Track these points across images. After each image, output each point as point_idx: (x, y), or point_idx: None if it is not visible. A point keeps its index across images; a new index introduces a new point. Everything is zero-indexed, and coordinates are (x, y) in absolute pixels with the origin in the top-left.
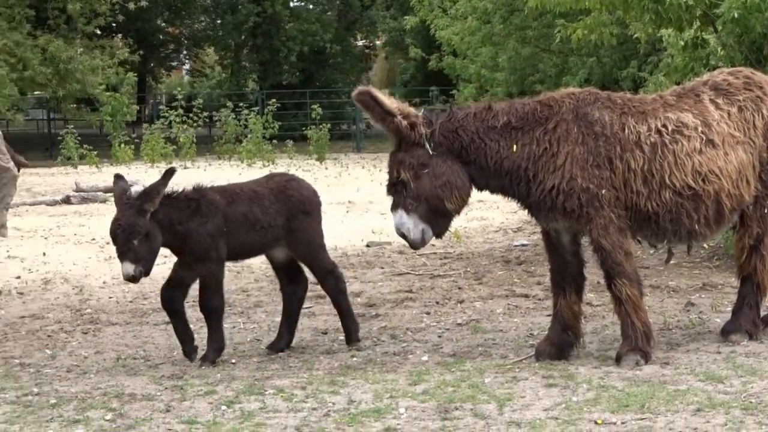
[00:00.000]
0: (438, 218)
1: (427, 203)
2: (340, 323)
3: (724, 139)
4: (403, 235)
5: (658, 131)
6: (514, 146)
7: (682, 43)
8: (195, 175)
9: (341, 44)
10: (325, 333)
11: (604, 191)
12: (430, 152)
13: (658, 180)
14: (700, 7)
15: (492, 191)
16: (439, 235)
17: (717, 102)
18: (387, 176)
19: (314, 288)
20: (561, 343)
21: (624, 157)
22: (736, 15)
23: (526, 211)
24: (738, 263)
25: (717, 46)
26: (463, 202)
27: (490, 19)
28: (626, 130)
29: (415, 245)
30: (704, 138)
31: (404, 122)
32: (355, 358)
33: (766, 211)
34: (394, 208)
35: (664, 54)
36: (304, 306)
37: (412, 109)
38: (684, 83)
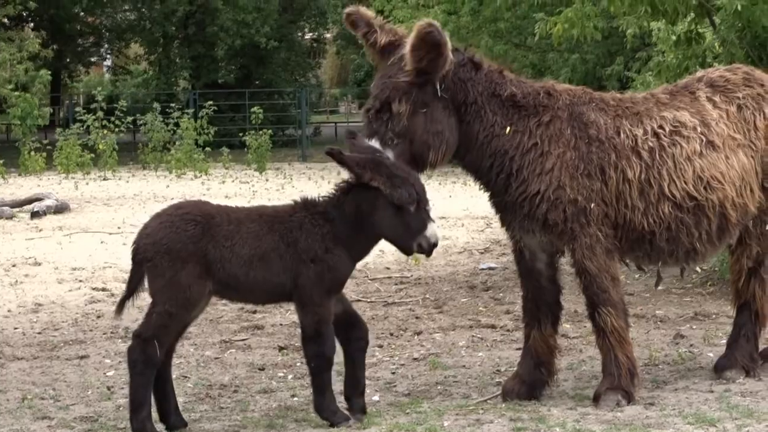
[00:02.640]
0: (415, 167)
1: (410, 145)
2: (279, 358)
3: (725, 140)
4: None
5: (655, 134)
6: (508, 128)
7: (674, 38)
8: (116, 187)
9: (285, 38)
10: (262, 369)
11: (593, 205)
12: (439, 93)
13: (657, 191)
14: None
15: (465, 167)
16: None
17: (714, 100)
18: (374, 99)
19: (250, 317)
20: (532, 380)
21: (619, 166)
22: (739, 6)
23: (496, 212)
24: (734, 289)
25: (715, 41)
26: (444, 159)
27: (458, 10)
28: (621, 135)
29: None
30: (704, 139)
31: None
32: (296, 398)
33: (767, 227)
34: (370, 136)
35: (653, 50)
36: (239, 338)
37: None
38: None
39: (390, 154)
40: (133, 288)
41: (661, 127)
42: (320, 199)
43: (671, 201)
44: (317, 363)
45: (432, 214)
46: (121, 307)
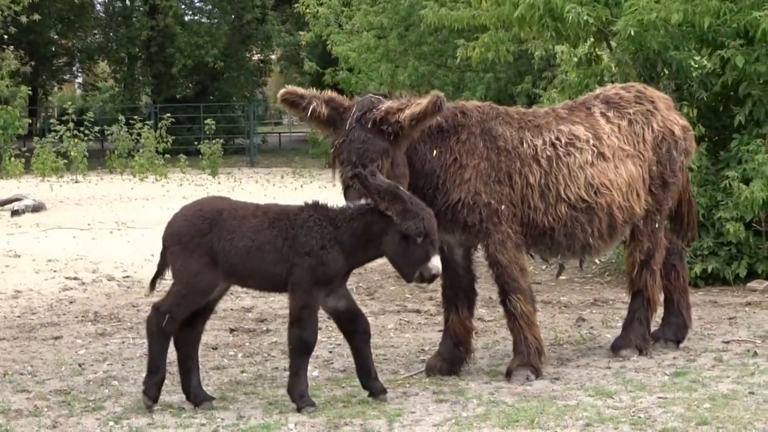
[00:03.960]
0: None
1: None
2: (230, 339)
3: (615, 152)
4: None
5: (553, 144)
6: (434, 150)
7: (576, 59)
8: (86, 189)
9: (235, 58)
10: (215, 348)
11: (503, 207)
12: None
13: (554, 194)
14: (596, 24)
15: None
16: None
17: (608, 115)
18: (359, 162)
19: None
20: (452, 358)
21: (523, 172)
22: (632, 32)
23: None
24: (629, 278)
25: (611, 62)
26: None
27: (387, 35)
28: (524, 145)
29: None
30: (596, 150)
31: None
32: (245, 374)
33: (657, 225)
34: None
35: (558, 70)
36: None
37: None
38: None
39: None
40: (161, 268)
41: (558, 138)
42: (334, 206)
43: (567, 202)
44: (296, 346)
45: (436, 248)
46: (153, 284)
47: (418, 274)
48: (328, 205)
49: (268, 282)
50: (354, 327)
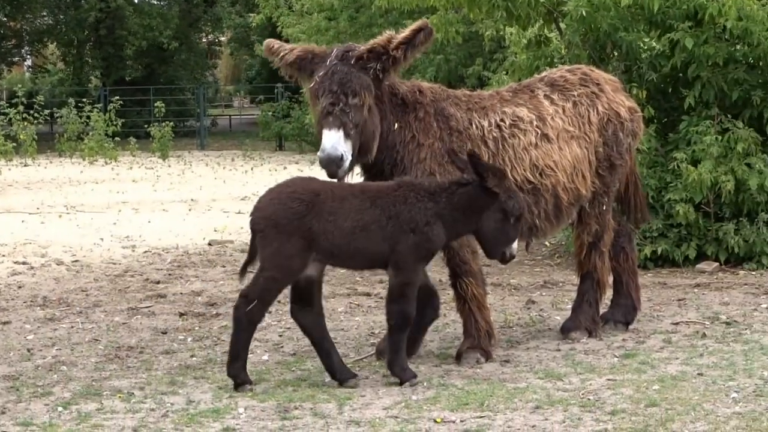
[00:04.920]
0: (356, 158)
1: (362, 137)
2: (180, 323)
3: (559, 133)
4: (334, 158)
5: (498, 126)
6: (396, 124)
7: (525, 41)
8: (35, 173)
9: (185, 40)
10: (165, 333)
11: None
12: (378, 92)
13: None
14: (547, 4)
15: (368, 161)
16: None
17: (552, 97)
18: (340, 91)
19: (154, 287)
20: None
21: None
22: (583, 13)
23: None
24: (578, 260)
25: (561, 44)
26: (376, 150)
27: (337, 17)
28: (473, 126)
29: (340, 174)
30: (539, 132)
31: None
32: (194, 358)
33: (604, 208)
34: (335, 126)
35: (508, 52)
36: (144, 305)
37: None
38: None
39: (349, 147)
40: (252, 254)
41: (502, 120)
42: (428, 182)
43: (514, 184)
44: (397, 320)
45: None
46: (243, 271)
47: (503, 252)
48: (421, 181)
49: (370, 261)
50: (426, 305)
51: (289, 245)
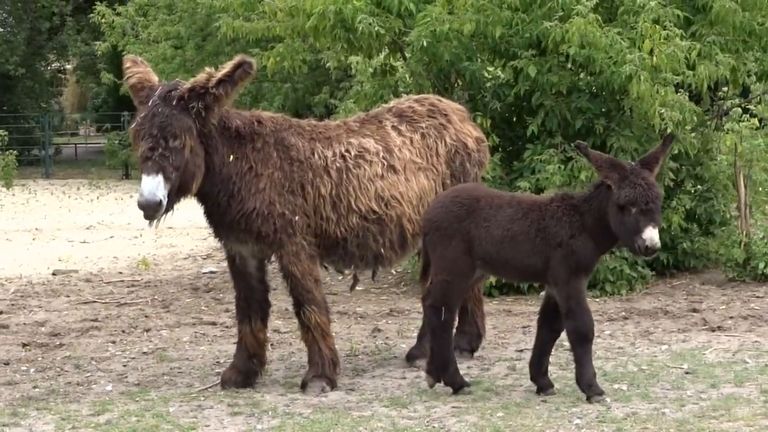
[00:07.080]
0: (175, 197)
1: (181, 178)
2: (22, 353)
3: (406, 165)
4: (152, 204)
5: (342, 156)
6: (231, 156)
7: (371, 70)
8: None
9: (29, 68)
10: (7, 364)
11: (297, 218)
12: (204, 129)
13: (345, 205)
14: (389, 35)
15: (198, 194)
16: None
17: (400, 129)
18: (160, 135)
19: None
20: (246, 370)
21: (315, 183)
22: (425, 43)
23: (214, 228)
24: (423, 289)
25: (405, 73)
26: (197, 189)
27: (183, 45)
28: (315, 156)
29: (155, 217)
30: (386, 163)
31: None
32: (37, 389)
33: None
34: (153, 171)
35: (354, 81)
36: None
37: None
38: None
39: (168, 190)
40: (426, 258)
41: (348, 150)
42: (581, 193)
43: (358, 213)
44: (575, 338)
45: (653, 220)
46: (425, 273)
47: (636, 246)
48: (575, 193)
49: (522, 273)
50: (553, 321)
51: (451, 248)
